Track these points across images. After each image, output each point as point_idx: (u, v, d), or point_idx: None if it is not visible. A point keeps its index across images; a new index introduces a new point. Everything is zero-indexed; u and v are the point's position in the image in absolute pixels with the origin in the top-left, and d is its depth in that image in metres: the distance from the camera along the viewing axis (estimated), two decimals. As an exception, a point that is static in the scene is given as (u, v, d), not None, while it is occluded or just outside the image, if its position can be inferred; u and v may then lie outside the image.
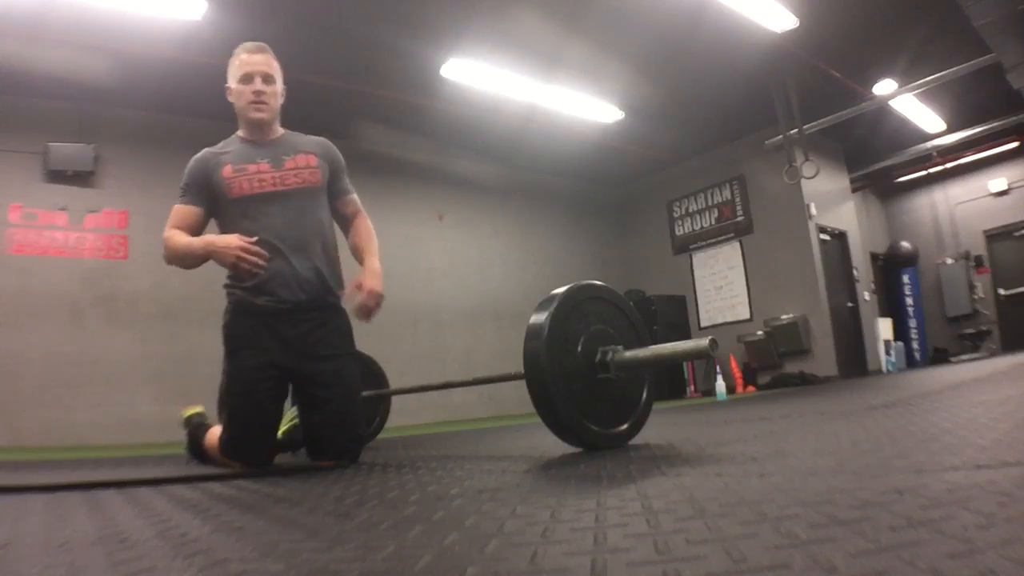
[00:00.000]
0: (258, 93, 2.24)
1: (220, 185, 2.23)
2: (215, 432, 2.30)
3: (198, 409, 2.67)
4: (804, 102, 6.85)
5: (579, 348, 1.96)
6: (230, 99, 2.31)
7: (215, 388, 2.23)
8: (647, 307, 7.87)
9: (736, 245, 8.35)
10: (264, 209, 2.21)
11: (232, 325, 2.19)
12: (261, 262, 2.12)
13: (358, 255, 2.43)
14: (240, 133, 2.35)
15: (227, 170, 2.23)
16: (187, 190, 2.26)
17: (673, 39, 5.67)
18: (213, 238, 2.15)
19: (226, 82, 2.31)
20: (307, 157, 2.31)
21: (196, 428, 2.54)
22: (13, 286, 5.09)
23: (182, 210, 2.24)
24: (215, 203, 2.25)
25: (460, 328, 7.48)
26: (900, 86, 6.84)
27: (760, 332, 7.84)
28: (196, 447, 2.49)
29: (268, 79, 2.28)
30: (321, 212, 2.34)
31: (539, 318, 1.92)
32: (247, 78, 2.25)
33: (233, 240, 2.11)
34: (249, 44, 2.30)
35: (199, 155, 2.31)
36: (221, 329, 2.22)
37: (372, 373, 3.25)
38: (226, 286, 2.25)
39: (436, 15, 5.05)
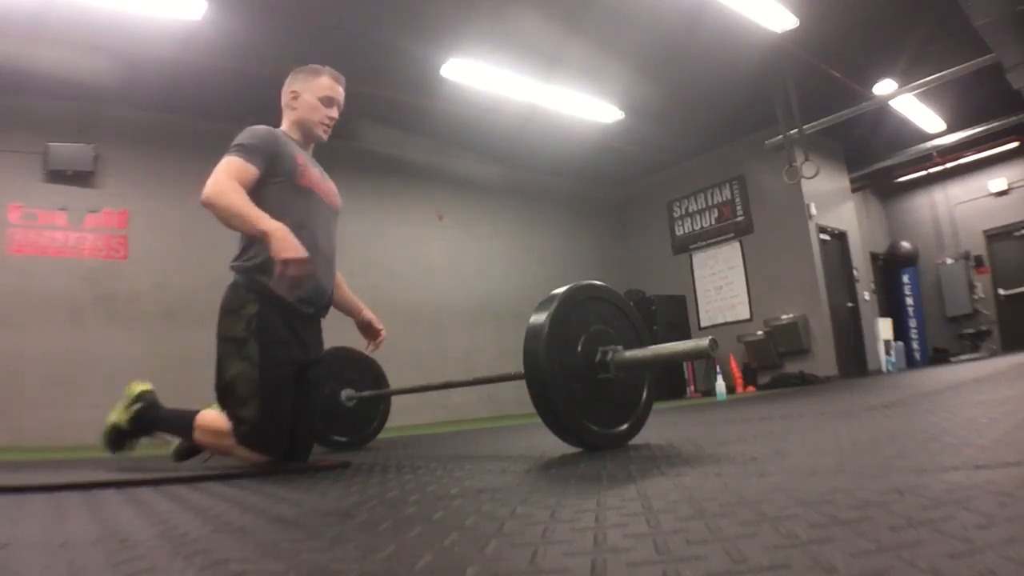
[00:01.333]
0: (332, 119, 2.40)
1: (293, 165, 2.25)
2: (214, 418, 2.18)
3: (148, 386, 2.44)
4: (804, 102, 6.85)
5: (579, 348, 1.96)
6: (293, 104, 2.38)
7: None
8: (647, 307, 7.87)
9: (736, 245, 8.35)
10: (317, 209, 2.32)
11: (264, 318, 2.16)
12: (303, 284, 2.09)
13: (339, 293, 2.60)
14: (291, 135, 2.39)
15: (300, 157, 2.30)
16: (253, 151, 2.18)
17: (673, 39, 5.67)
18: (288, 232, 2.01)
19: (292, 88, 2.39)
20: (333, 185, 2.51)
21: (152, 407, 2.36)
22: (13, 286, 5.09)
23: (242, 166, 2.13)
24: (269, 177, 2.20)
25: (460, 328, 7.48)
26: (900, 86, 6.83)
27: (760, 332, 7.84)
28: (160, 424, 2.35)
29: (340, 111, 2.44)
30: (336, 236, 2.51)
31: (539, 318, 1.92)
32: (329, 101, 2.38)
33: (303, 249, 2.01)
34: (334, 72, 2.42)
35: (268, 128, 2.29)
36: (246, 318, 2.14)
37: (372, 373, 3.25)
38: (251, 271, 2.17)
39: (436, 15, 5.05)
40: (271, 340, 2.16)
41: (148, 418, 2.33)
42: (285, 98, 2.41)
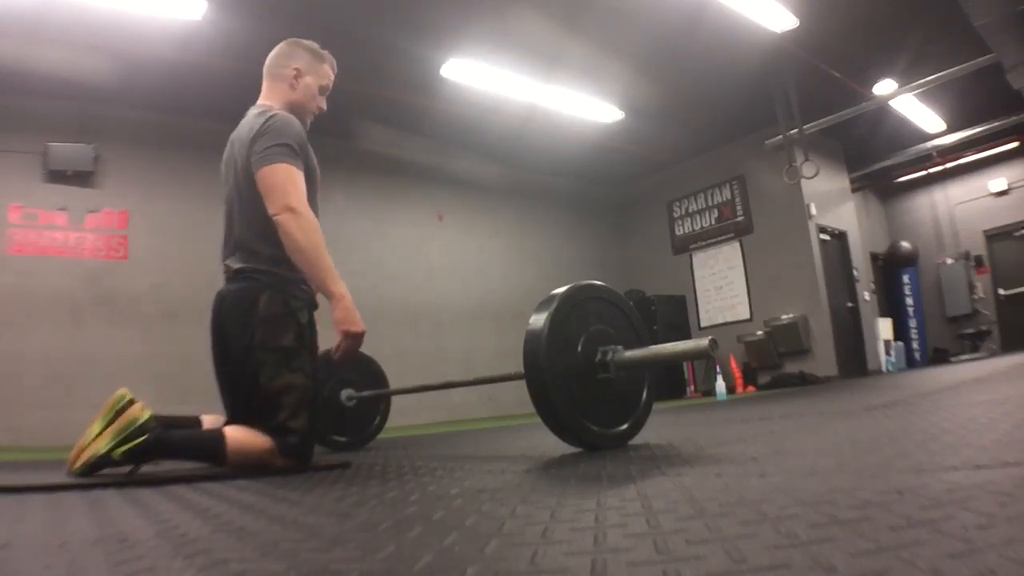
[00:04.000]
0: (321, 111, 2.34)
1: (315, 172, 2.18)
2: (244, 434, 1.98)
3: (148, 412, 1.92)
4: (804, 102, 6.85)
5: (579, 348, 1.96)
6: (294, 83, 2.23)
7: (215, 388, 2.15)
8: (647, 307, 7.87)
9: (736, 245, 8.35)
10: (315, 203, 2.22)
11: (311, 329, 2.16)
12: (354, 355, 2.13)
13: None
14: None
15: (315, 159, 2.22)
16: (298, 155, 2.06)
17: (673, 39, 5.67)
18: (351, 303, 2.01)
19: (296, 65, 2.24)
20: None
21: (161, 438, 1.90)
22: (13, 286, 5.09)
23: (301, 177, 2.04)
24: None
25: (460, 328, 7.48)
26: (900, 86, 6.83)
27: (760, 332, 7.84)
28: (174, 454, 1.98)
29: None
30: None
31: (539, 318, 1.92)
32: (325, 91, 2.33)
33: (362, 323, 2.03)
34: (333, 59, 2.35)
35: (298, 122, 2.13)
36: (295, 328, 2.08)
37: (372, 373, 3.25)
38: (297, 282, 2.13)
39: (436, 15, 5.05)
40: (314, 350, 2.20)
41: (156, 451, 1.92)
42: (284, 71, 2.23)
